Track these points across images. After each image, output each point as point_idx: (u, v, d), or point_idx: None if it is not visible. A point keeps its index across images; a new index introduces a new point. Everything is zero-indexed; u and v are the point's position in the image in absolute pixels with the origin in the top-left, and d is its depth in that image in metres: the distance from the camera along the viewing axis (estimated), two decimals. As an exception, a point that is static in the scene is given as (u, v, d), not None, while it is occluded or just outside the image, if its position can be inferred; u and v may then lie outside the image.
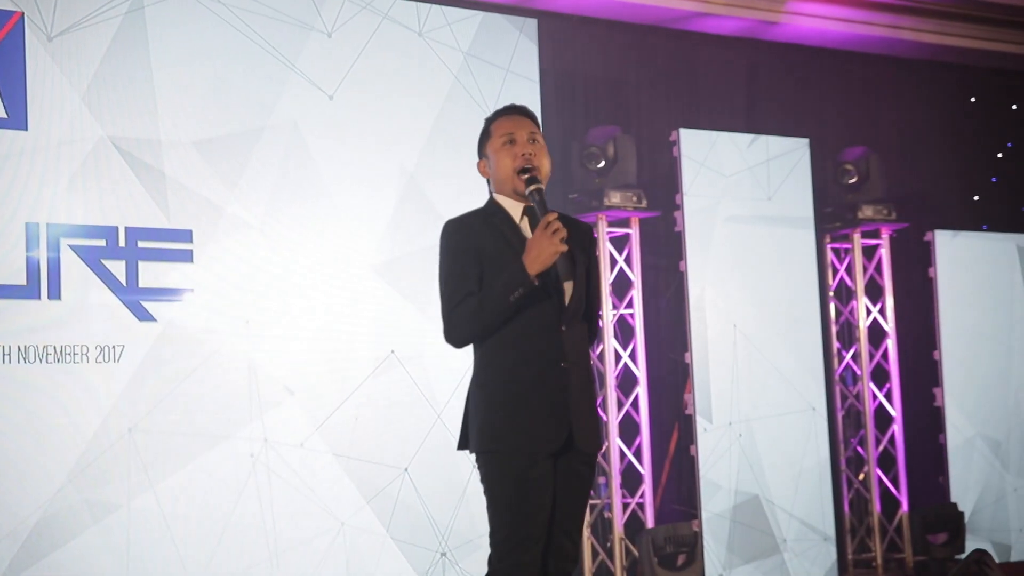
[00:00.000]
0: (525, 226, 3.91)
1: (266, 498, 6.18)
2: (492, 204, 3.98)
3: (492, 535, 3.79)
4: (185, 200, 6.13)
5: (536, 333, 3.81)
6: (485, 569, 3.84)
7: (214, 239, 6.20)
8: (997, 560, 7.63)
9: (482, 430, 3.82)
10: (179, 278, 6.09)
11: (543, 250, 3.72)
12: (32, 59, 5.82)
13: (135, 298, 5.96)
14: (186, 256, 6.12)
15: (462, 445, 3.94)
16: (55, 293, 5.78)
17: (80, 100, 5.91)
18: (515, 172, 3.89)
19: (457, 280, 3.84)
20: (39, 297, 5.75)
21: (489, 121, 4.05)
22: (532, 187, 3.85)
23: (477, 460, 3.86)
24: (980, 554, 6.22)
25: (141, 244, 6.00)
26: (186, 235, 6.12)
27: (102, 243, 5.91)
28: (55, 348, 5.76)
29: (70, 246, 5.83)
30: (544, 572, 3.79)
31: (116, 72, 6.00)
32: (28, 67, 5.81)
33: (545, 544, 3.79)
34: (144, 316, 5.98)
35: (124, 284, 5.94)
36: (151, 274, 6.01)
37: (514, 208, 3.94)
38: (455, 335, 3.87)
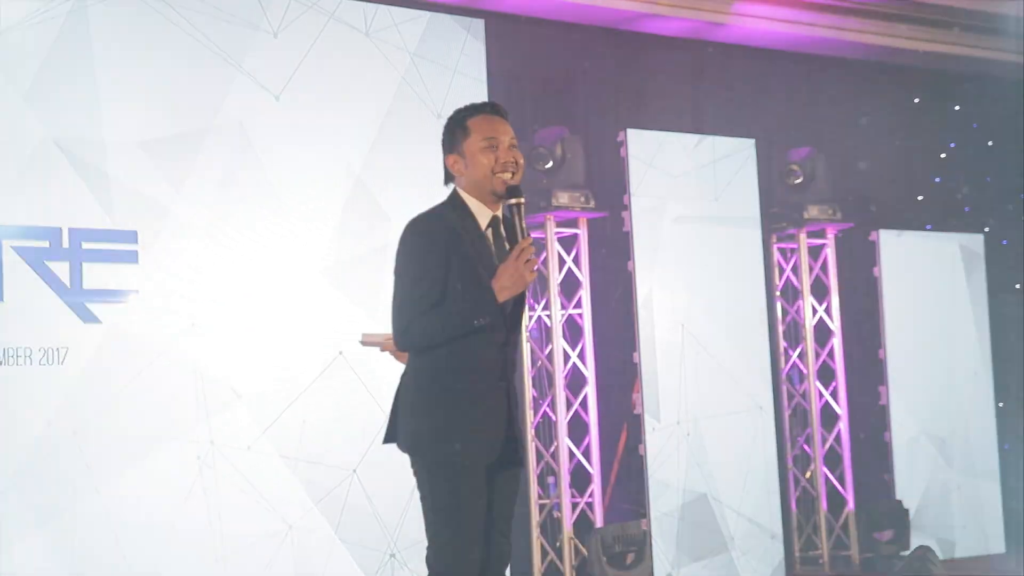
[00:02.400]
0: (490, 236, 3.85)
1: (213, 501, 6.14)
2: (459, 203, 3.86)
3: (433, 537, 3.79)
4: (130, 201, 6.07)
5: (481, 346, 3.80)
6: (435, 571, 3.85)
7: (159, 240, 6.15)
8: (941, 556, 7.73)
9: (423, 433, 3.82)
10: (124, 279, 6.04)
11: (515, 280, 3.69)
12: (-27, 59, 5.76)
13: (79, 300, 5.90)
14: (131, 257, 6.07)
15: (389, 439, 3.95)
16: (-3, 295, 5.72)
17: (22, 100, 5.85)
18: (498, 192, 3.81)
19: (426, 285, 3.74)
20: (-19, 299, 5.70)
21: (464, 116, 3.89)
22: (513, 200, 3.77)
23: (414, 463, 3.86)
24: (924, 550, 6.31)
25: (85, 245, 5.94)
26: (131, 236, 6.07)
27: (45, 244, 5.85)
28: (-2, 350, 5.70)
29: (13, 247, 5.76)
30: (482, 572, 3.80)
31: (59, 72, 5.94)
32: (-31, 67, 5.75)
33: (484, 545, 3.82)
34: (88, 318, 5.92)
35: (68, 286, 5.88)
36: (95, 275, 5.96)
37: (481, 212, 3.84)
38: (408, 341, 3.81)
